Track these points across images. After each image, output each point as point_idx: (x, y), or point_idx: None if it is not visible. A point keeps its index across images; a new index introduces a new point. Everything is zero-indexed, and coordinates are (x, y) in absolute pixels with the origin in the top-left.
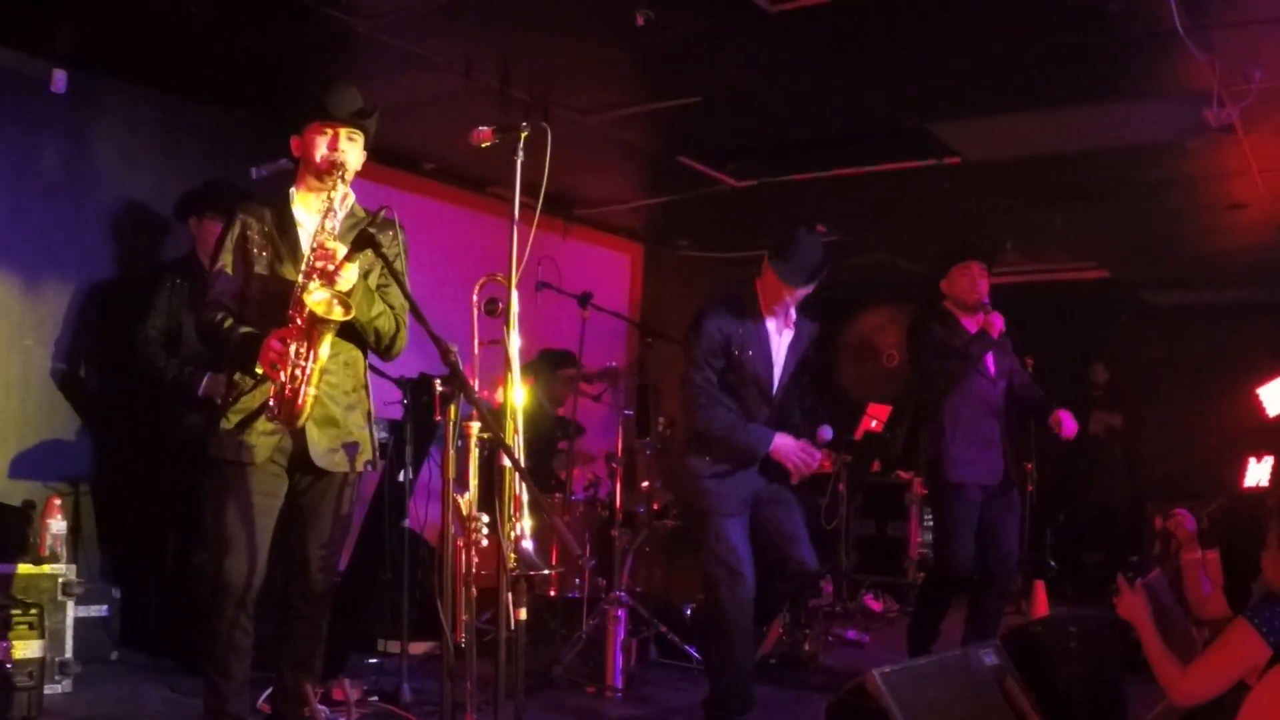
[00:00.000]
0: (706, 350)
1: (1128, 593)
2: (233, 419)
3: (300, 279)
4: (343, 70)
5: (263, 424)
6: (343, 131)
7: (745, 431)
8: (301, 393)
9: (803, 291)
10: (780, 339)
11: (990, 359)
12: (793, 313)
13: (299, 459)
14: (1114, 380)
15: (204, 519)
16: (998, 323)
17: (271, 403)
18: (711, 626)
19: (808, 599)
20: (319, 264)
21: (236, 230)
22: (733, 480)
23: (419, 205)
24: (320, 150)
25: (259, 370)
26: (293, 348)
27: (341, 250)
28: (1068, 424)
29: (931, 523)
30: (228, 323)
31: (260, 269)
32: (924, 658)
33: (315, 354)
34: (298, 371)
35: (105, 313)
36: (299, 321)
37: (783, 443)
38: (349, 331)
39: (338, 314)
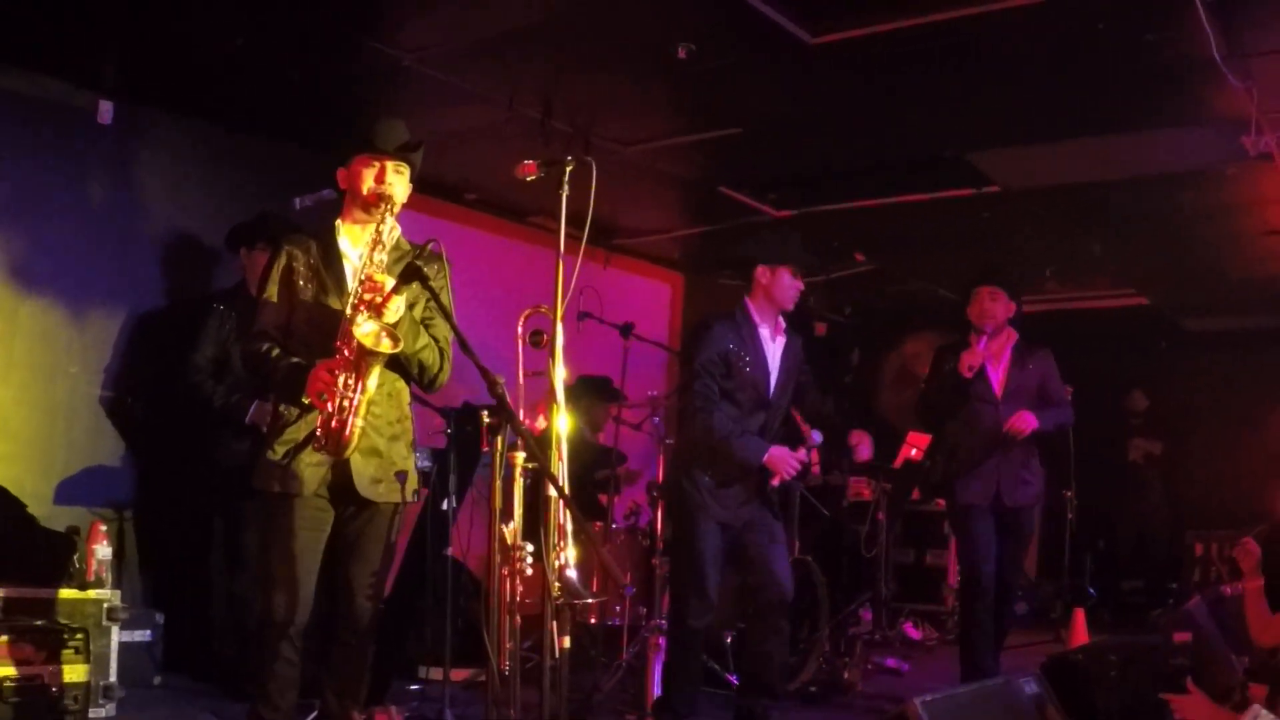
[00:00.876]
0: (707, 359)
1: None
2: (279, 450)
3: (348, 311)
4: (387, 102)
5: (309, 455)
6: (390, 164)
7: (742, 442)
8: (349, 424)
9: (794, 286)
10: (774, 346)
11: (996, 383)
12: (782, 322)
13: (344, 490)
14: (1153, 407)
15: (246, 549)
16: (1007, 347)
17: (318, 433)
18: (671, 633)
19: (847, 627)
20: (367, 296)
21: (283, 262)
22: (727, 492)
23: (461, 235)
24: (367, 183)
25: (306, 400)
26: (340, 379)
27: (389, 283)
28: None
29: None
30: (274, 353)
31: (305, 300)
32: (964, 686)
33: (363, 385)
34: (345, 403)
35: (150, 341)
36: (346, 353)
37: (777, 453)
38: (393, 363)
39: (386, 347)
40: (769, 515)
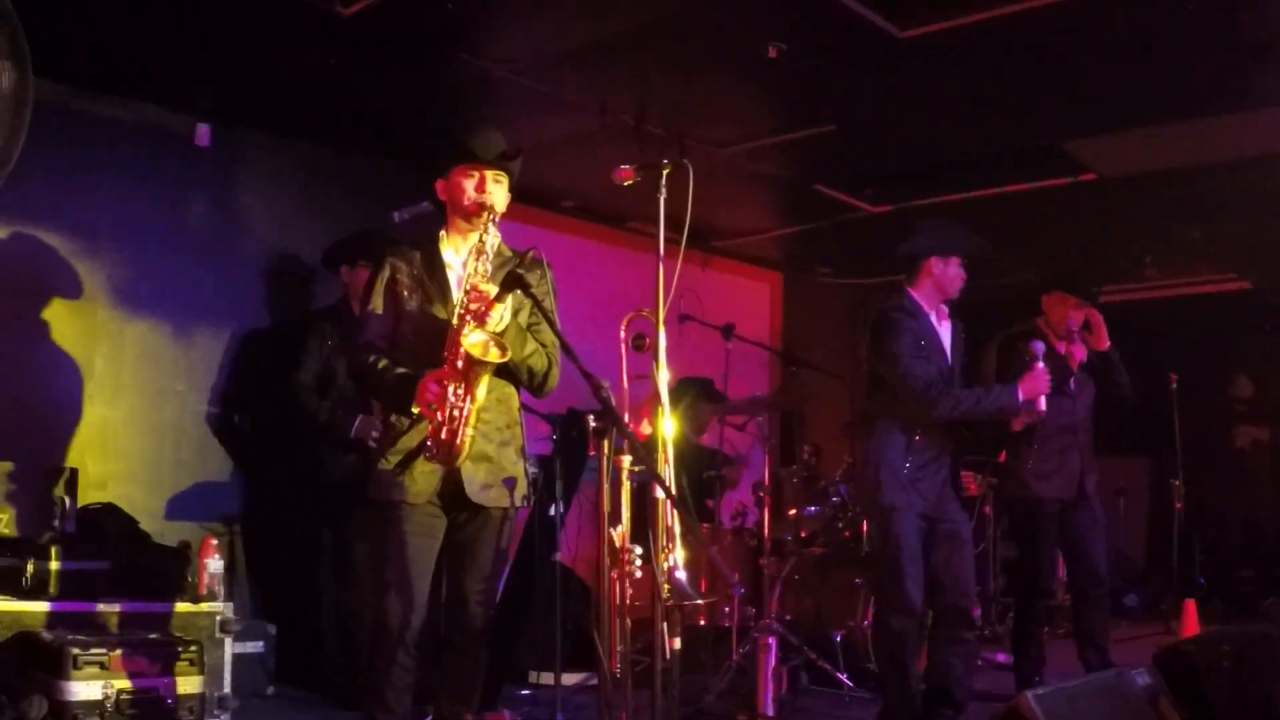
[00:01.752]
0: (908, 344)
1: None
2: (391, 460)
3: (454, 321)
4: (480, 114)
5: (421, 464)
6: (489, 174)
7: (991, 394)
8: (460, 434)
9: (961, 275)
10: (944, 331)
11: (1072, 379)
12: (945, 308)
13: (455, 497)
14: (1259, 393)
15: (356, 559)
16: (1079, 354)
17: (429, 443)
18: (881, 642)
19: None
20: (473, 306)
21: (386, 274)
22: (929, 481)
23: (559, 242)
24: (468, 193)
25: (415, 411)
26: (450, 389)
27: (494, 292)
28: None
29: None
30: (382, 364)
31: (411, 311)
32: (1077, 679)
33: (473, 395)
34: (455, 412)
35: (254, 359)
36: (455, 363)
37: (1025, 381)
38: (502, 369)
39: (494, 356)
40: (958, 509)
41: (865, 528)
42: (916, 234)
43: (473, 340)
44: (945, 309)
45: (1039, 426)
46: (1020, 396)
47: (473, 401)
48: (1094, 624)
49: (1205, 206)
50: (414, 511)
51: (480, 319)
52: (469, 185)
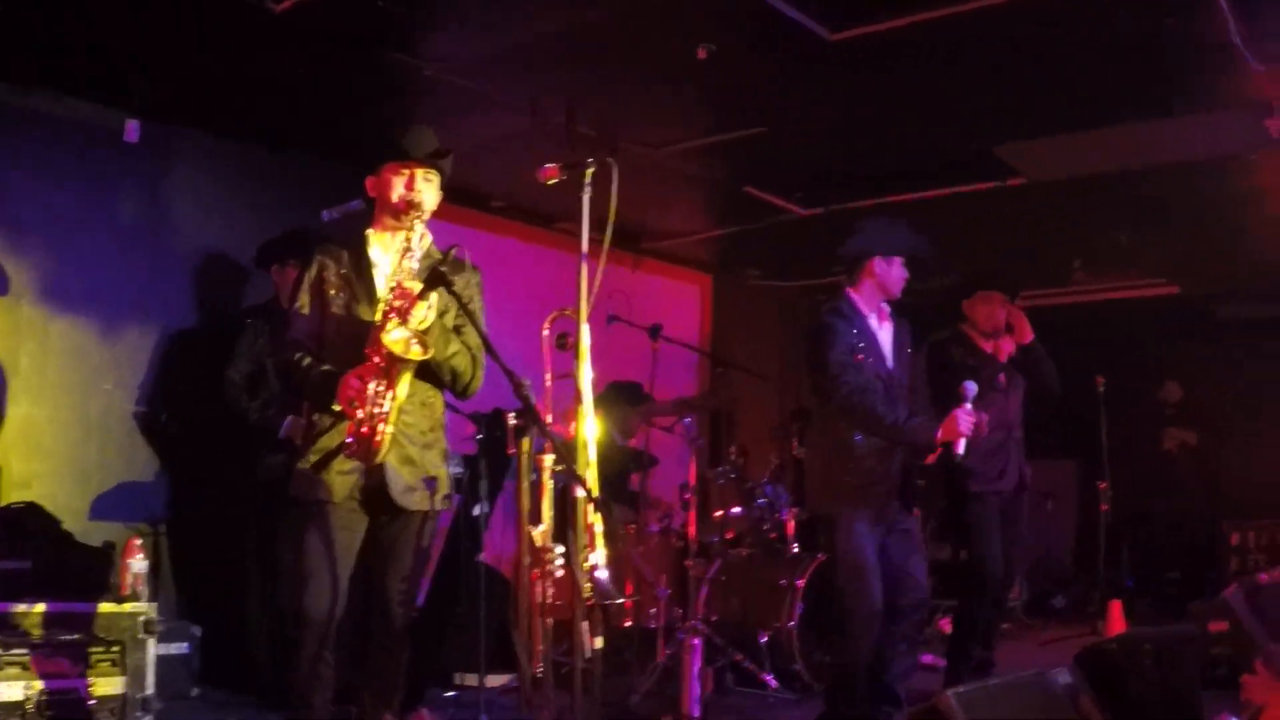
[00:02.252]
0: (842, 354)
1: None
2: (311, 458)
3: (378, 318)
4: (411, 113)
5: (341, 462)
6: (419, 172)
7: (910, 425)
8: (379, 431)
9: (904, 275)
10: (884, 333)
11: (1002, 375)
12: (886, 308)
13: (378, 497)
14: (1187, 397)
15: (283, 558)
16: (1006, 347)
17: (349, 440)
18: (837, 644)
19: None
20: (397, 303)
21: (313, 272)
22: (875, 490)
23: (489, 242)
24: (397, 190)
25: (337, 408)
26: (371, 386)
27: (418, 289)
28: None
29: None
30: (306, 361)
31: (337, 310)
32: (997, 678)
33: (393, 392)
34: (375, 409)
35: (182, 357)
36: (377, 360)
37: (946, 420)
38: (426, 372)
39: (415, 353)
40: (908, 515)
41: (791, 529)
42: (858, 233)
43: (394, 337)
44: (887, 309)
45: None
46: (939, 437)
47: (393, 399)
48: (990, 622)
49: (1133, 211)
50: (335, 510)
51: (404, 316)
52: (399, 183)
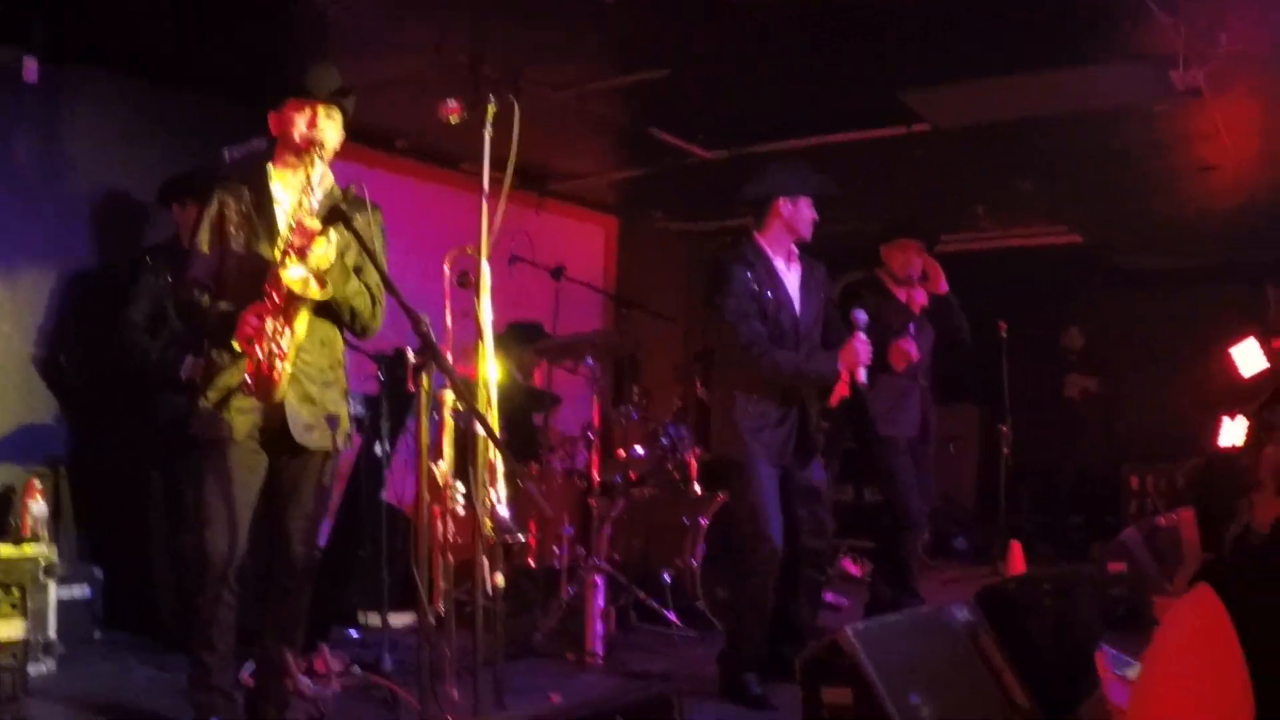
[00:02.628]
0: (742, 299)
1: None
2: (211, 397)
3: (278, 255)
4: (314, 52)
5: (240, 401)
6: (321, 109)
7: (810, 363)
8: (277, 368)
9: (812, 216)
10: (792, 276)
11: (912, 323)
12: (795, 249)
13: (278, 437)
14: (1089, 344)
15: (185, 502)
16: (919, 298)
17: (248, 378)
18: (737, 583)
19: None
20: (296, 241)
21: (214, 209)
22: (773, 433)
23: (393, 183)
24: (299, 128)
25: (236, 346)
26: (269, 324)
27: (318, 227)
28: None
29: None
30: (205, 299)
31: (237, 248)
32: (896, 614)
33: (291, 330)
34: (274, 347)
35: (83, 298)
36: (275, 298)
37: (843, 351)
38: (325, 310)
39: (313, 291)
40: (812, 462)
41: (694, 469)
42: (763, 175)
43: (293, 275)
44: (795, 251)
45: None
46: (840, 366)
47: (291, 336)
48: (904, 563)
49: (1037, 160)
50: (235, 448)
51: (302, 254)
52: (301, 120)
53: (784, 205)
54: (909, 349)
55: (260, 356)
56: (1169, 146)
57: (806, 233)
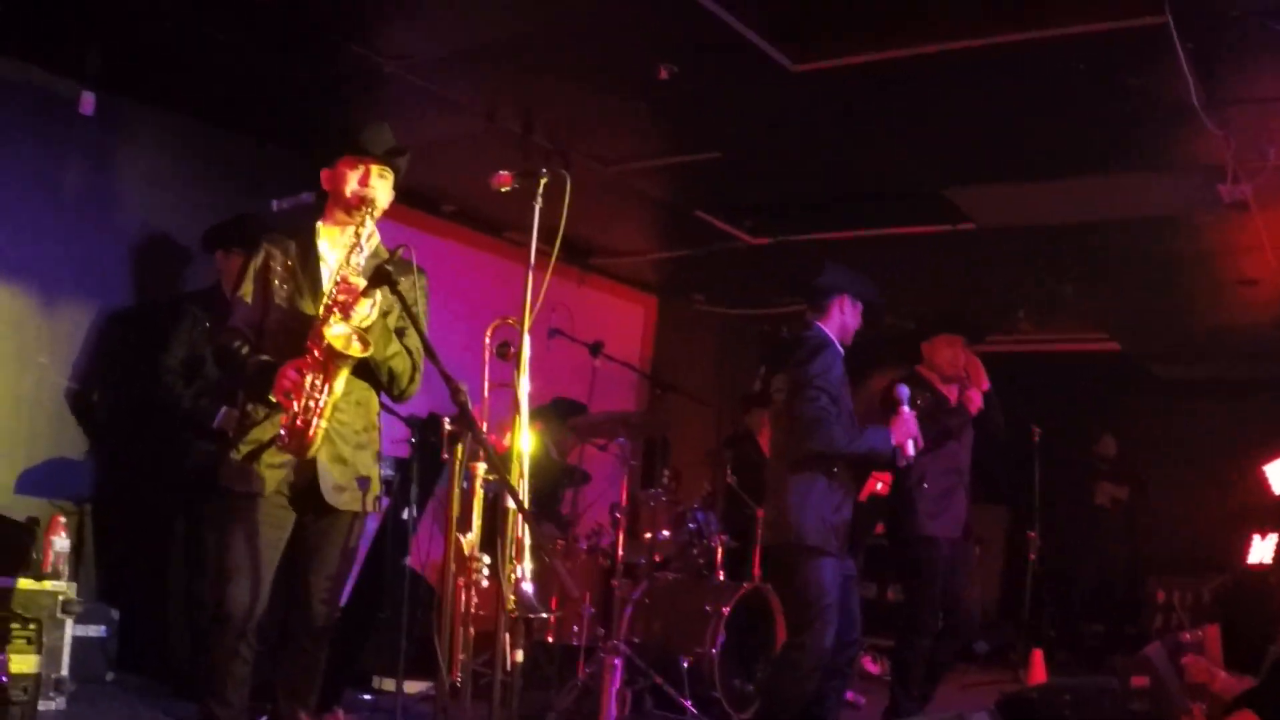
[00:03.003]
0: (834, 380)
1: None
2: (243, 449)
3: (321, 312)
4: (368, 107)
5: (272, 455)
6: (374, 168)
7: (867, 435)
8: (313, 425)
9: (858, 323)
10: None
11: (956, 420)
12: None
13: (308, 495)
14: (1122, 453)
15: (207, 550)
16: (976, 399)
17: (283, 432)
18: (780, 677)
19: None
20: (340, 298)
21: (259, 260)
22: (842, 521)
23: (437, 247)
24: (351, 184)
25: (273, 399)
26: (308, 379)
27: (363, 285)
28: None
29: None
30: (245, 349)
31: (280, 301)
32: (917, 718)
33: (330, 388)
34: (311, 403)
35: (121, 336)
36: (316, 354)
37: (893, 427)
38: (363, 371)
39: (355, 349)
40: (851, 555)
41: (719, 556)
42: (828, 271)
43: (335, 332)
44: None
45: (927, 467)
46: (893, 441)
47: (329, 394)
48: (944, 665)
49: (1080, 265)
50: (263, 503)
51: (346, 311)
52: (353, 177)
53: (846, 304)
54: (910, 423)
55: (297, 411)
56: (1213, 257)
57: (849, 337)
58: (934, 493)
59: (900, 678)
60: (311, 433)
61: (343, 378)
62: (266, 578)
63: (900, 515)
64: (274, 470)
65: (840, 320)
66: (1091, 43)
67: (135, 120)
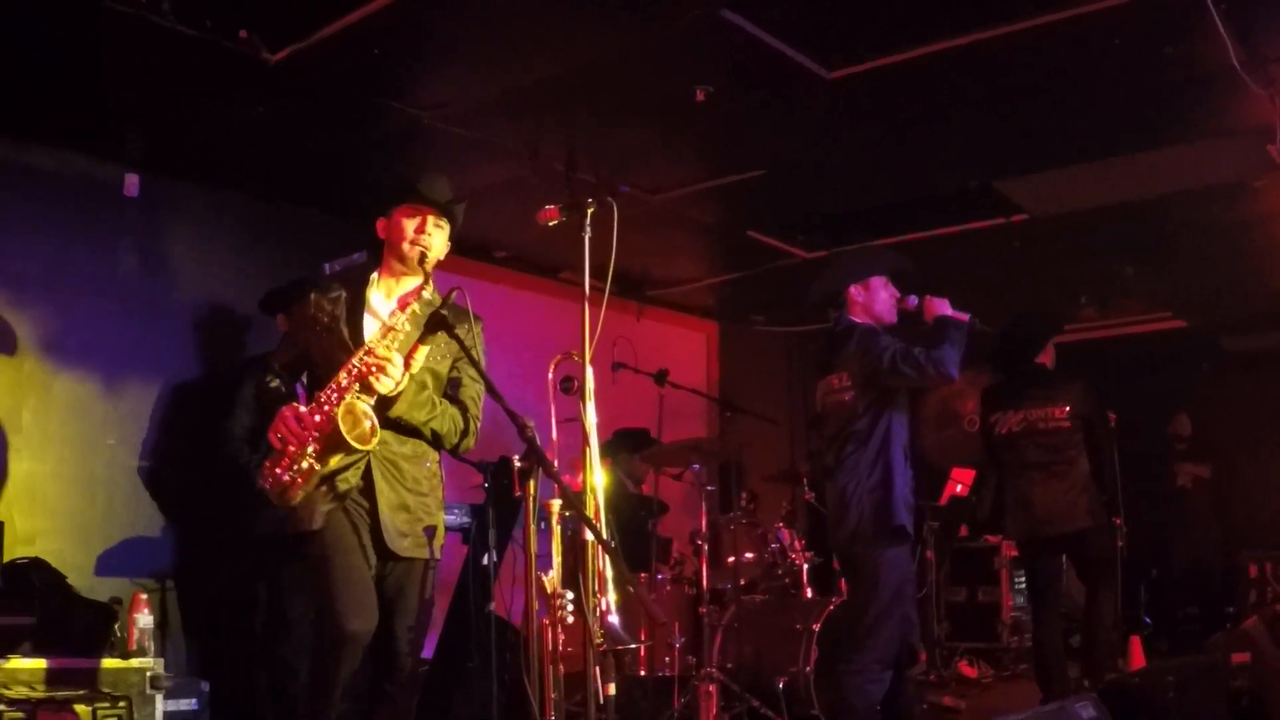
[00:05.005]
0: (883, 336)
1: None
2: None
3: (343, 378)
4: (411, 161)
5: (324, 498)
6: (431, 217)
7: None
8: (294, 488)
9: (891, 294)
10: None
11: None
12: None
13: (377, 543)
14: (1198, 431)
15: (290, 613)
16: None
17: (265, 471)
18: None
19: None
20: (359, 366)
21: (309, 309)
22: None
23: (493, 293)
24: (408, 234)
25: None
26: (310, 437)
27: (396, 360)
28: None
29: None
30: (274, 383)
31: (321, 348)
32: (1020, 712)
33: (325, 462)
34: (303, 464)
35: (185, 409)
36: (326, 413)
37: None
38: (409, 430)
39: (356, 438)
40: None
41: (805, 573)
42: (825, 269)
43: (344, 408)
44: None
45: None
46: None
47: (322, 468)
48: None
49: (1137, 244)
50: (344, 534)
51: (367, 385)
52: (410, 226)
53: (856, 292)
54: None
55: (288, 460)
56: (1269, 221)
57: (888, 314)
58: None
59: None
60: (290, 494)
61: (338, 460)
62: (371, 596)
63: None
64: (338, 513)
65: (862, 308)
66: (1123, 15)
67: (179, 197)
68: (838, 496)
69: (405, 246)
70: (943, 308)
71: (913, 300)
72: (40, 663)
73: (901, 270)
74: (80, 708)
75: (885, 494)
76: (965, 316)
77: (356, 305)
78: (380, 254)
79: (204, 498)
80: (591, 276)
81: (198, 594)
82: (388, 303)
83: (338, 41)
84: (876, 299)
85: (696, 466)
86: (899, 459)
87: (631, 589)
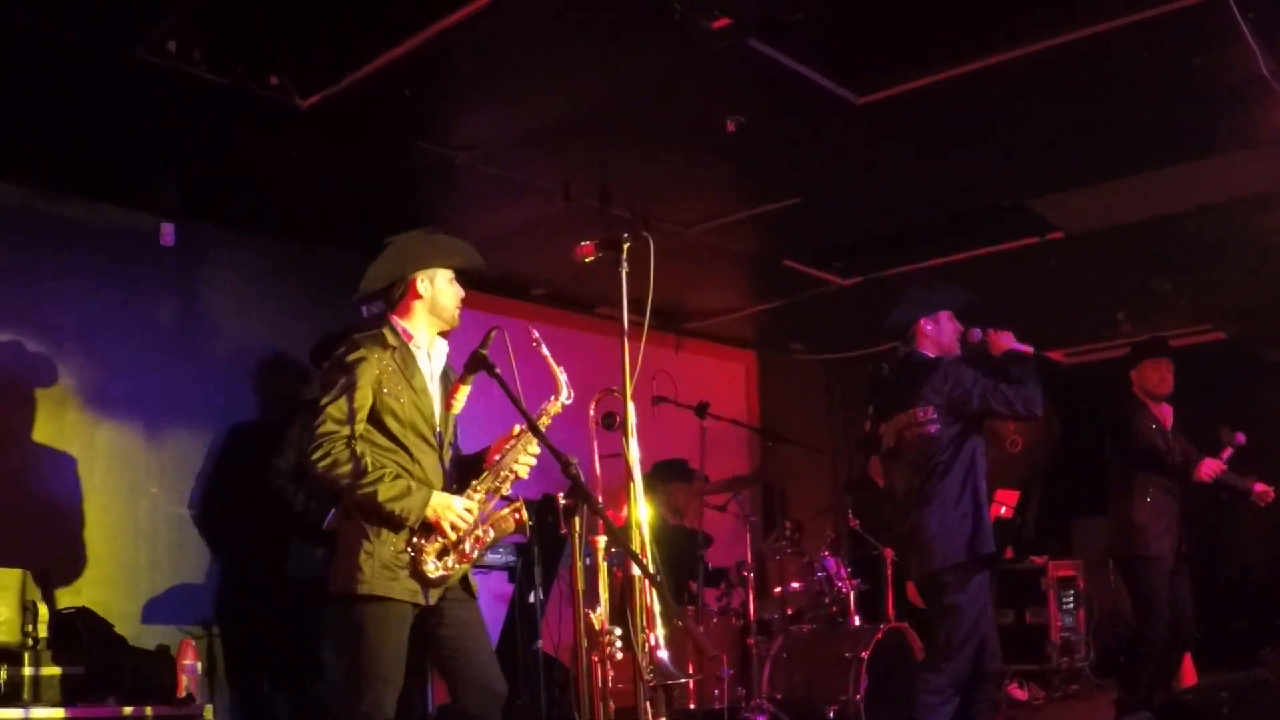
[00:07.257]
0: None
1: None
2: (405, 558)
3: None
4: (445, 202)
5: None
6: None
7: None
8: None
9: (953, 330)
10: None
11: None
12: None
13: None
14: (1243, 443)
15: (325, 655)
16: (1169, 414)
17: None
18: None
19: None
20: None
21: (373, 370)
22: None
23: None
24: (453, 302)
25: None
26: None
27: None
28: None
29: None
30: (345, 431)
31: (396, 404)
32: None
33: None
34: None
35: (226, 456)
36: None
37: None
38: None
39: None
40: None
41: (852, 601)
42: (899, 303)
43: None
44: None
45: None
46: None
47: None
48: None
49: (1173, 257)
50: (399, 607)
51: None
52: (455, 294)
53: (927, 325)
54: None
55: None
56: None
57: (953, 346)
58: (1159, 513)
59: (1129, 685)
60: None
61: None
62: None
63: (1128, 534)
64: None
65: (934, 338)
66: (1151, 29)
67: (214, 244)
68: (923, 527)
69: (455, 311)
70: (1009, 341)
71: (976, 334)
72: (93, 712)
73: (968, 305)
74: None
75: (976, 523)
76: (1030, 349)
77: (408, 359)
78: (395, 301)
79: (247, 545)
80: (629, 311)
81: (245, 639)
82: (430, 364)
83: (368, 85)
84: (944, 332)
85: (740, 497)
86: (982, 488)
87: (680, 622)
